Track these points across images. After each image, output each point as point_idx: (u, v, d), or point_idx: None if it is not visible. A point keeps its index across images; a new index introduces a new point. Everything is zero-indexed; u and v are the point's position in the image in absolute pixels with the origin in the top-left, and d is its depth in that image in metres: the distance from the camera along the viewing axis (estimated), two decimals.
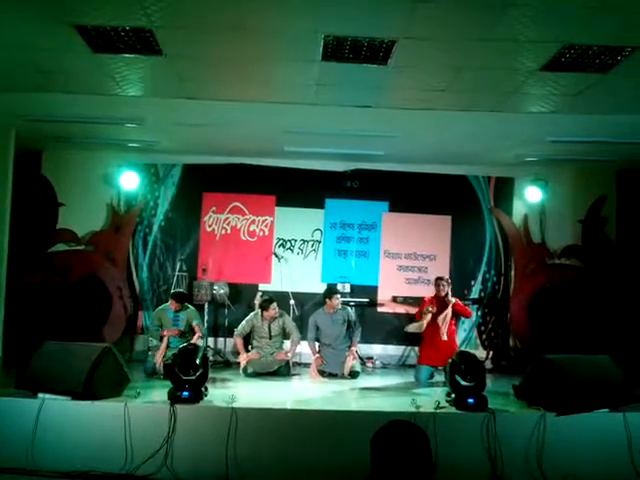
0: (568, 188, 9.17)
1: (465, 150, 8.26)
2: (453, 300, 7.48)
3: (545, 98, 6.01)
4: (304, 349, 8.04)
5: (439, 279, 7.71)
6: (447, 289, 7.56)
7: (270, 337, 7.60)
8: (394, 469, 2.14)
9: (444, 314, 7.40)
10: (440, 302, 7.53)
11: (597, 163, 8.55)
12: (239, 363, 7.59)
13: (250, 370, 7.42)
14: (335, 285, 8.64)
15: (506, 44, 4.78)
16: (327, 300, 7.61)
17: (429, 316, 7.44)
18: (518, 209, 9.26)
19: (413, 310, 8.69)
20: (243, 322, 7.69)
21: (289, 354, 7.60)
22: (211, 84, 5.97)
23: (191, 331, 7.50)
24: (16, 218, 7.99)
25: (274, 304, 7.60)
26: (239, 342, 7.57)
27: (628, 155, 8.06)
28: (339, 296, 7.73)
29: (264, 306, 7.57)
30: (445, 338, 7.36)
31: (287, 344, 7.77)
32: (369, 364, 8.57)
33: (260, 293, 8.55)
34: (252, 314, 7.76)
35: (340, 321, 7.63)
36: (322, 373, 7.49)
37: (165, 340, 7.33)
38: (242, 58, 5.23)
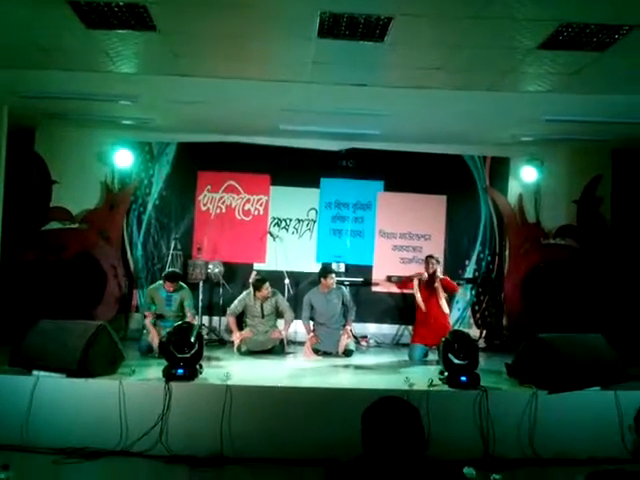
0: (563, 168, 9.17)
1: (461, 129, 8.22)
2: (441, 276, 7.62)
3: (542, 77, 5.98)
4: (299, 328, 8.06)
5: (429, 257, 7.77)
6: (436, 267, 7.64)
7: (263, 316, 7.61)
8: (385, 445, 2.15)
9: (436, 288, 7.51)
10: (429, 280, 7.58)
11: (593, 143, 8.54)
12: (233, 342, 7.61)
13: (244, 348, 7.45)
14: (330, 264, 8.63)
15: (503, 22, 4.74)
16: (322, 279, 7.62)
17: (418, 296, 7.56)
18: (513, 189, 9.26)
19: (407, 290, 8.72)
20: (235, 301, 7.70)
21: (283, 332, 7.63)
22: (205, 61, 5.92)
23: (182, 311, 7.49)
24: (9, 196, 7.93)
25: (267, 284, 7.60)
26: (232, 321, 7.59)
27: (624, 135, 8.04)
28: (334, 275, 7.73)
29: (257, 286, 7.58)
30: (446, 309, 7.51)
31: (280, 323, 7.79)
32: (363, 343, 8.61)
33: (255, 272, 8.56)
34: (244, 293, 7.76)
35: (335, 300, 7.64)
36: (317, 351, 7.52)
37: (148, 322, 7.34)
38: (237, 35, 5.17)
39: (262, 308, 7.61)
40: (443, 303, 7.53)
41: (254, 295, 7.62)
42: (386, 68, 5.99)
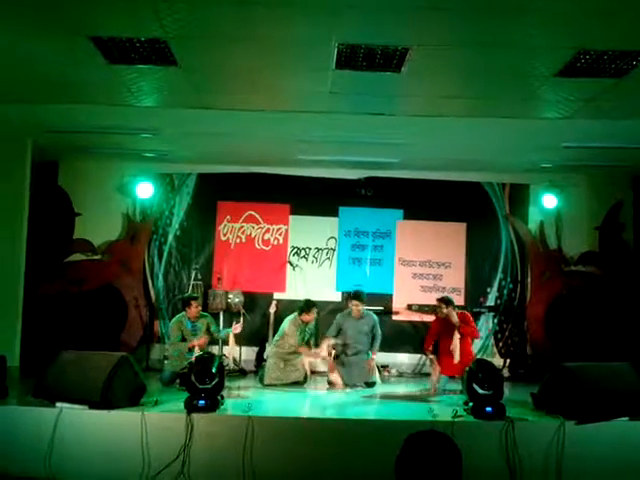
0: (584, 194, 9.11)
1: (479, 157, 8.23)
2: (457, 322, 7.20)
3: (560, 104, 5.98)
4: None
5: (438, 300, 7.52)
6: (446, 310, 7.25)
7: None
8: None
9: (452, 345, 7.18)
10: (447, 321, 7.34)
11: (612, 169, 8.49)
12: (255, 372, 7.53)
13: (266, 381, 7.35)
14: (361, 291, 8.46)
15: (520, 50, 4.76)
16: (348, 303, 7.49)
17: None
18: (534, 216, 9.21)
19: (428, 318, 8.66)
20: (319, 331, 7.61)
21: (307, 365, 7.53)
22: (225, 94, 6.01)
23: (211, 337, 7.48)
24: (33, 228, 8.06)
25: (315, 307, 7.51)
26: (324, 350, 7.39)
27: None
28: (356, 302, 7.47)
29: (305, 309, 7.42)
30: (457, 359, 7.13)
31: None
32: (385, 373, 8.51)
33: (275, 301, 8.53)
34: (290, 322, 7.52)
35: (364, 328, 7.48)
36: (345, 385, 7.34)
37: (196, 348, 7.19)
38: (255, 68, 5.26)
39: (303, 334, 7.52)
40: (456, 344, 7.16)
41: (300, 320, 7.47)
42: (403, 97, 6.03)
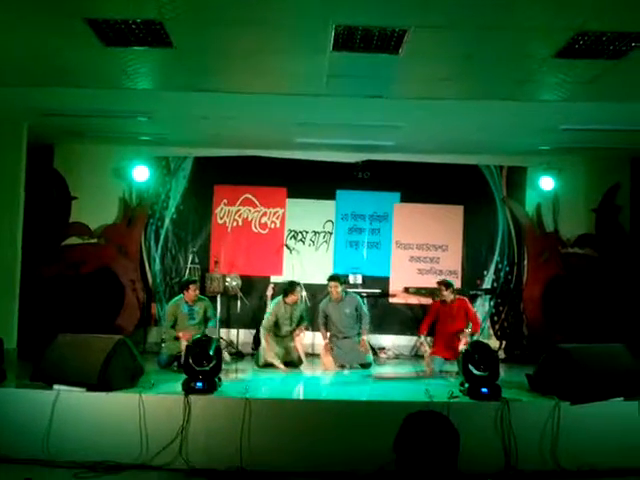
0: (581, 176, 9.10)
1: (477, 139, 8.21)
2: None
3: (558, 86, 5.95)
4: (316, 340, 8.06)
5: (438, 283, 7.66)
6: (446, 293, 7.39)
7: (291, 324, 7.53)
8: (420, 461, 2.10)
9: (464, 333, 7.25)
10: (445, 304, 7.47)
11: (610, 151, 8.48)
12: (252, 355, 7.58)
13: (262, 362, 7.39)
14: (346, 276, 8.58)
15: (518, 32, 4.72)
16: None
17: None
18: (531, 198, 9.20)
19: (425, 300, 8.72)
20: (267, 315, 7.52)
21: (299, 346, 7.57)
22: (221, 76, 5.97)
23: (205, 322, 7.50)
24: (29, 212, 8.04)
25: (299, 287, 7.58)
26: (268, 338, 7.41)
27: None
28: (335, 284, 7.55)
29: (289, 290, 7.48)
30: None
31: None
32: (382, 355, 8.57)
33: (272, 285, 8.57)
34: (273, 304, 7.62)
35: (346, 310, 7.59)
36: (342, 367, 7.45)
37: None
38: (252, 50, 5.21)
39: (292, 315, 7.56)
40: (467, 332, 7.23)
41: (284, 302, 7.55)
42: (401, 79, 5.99)
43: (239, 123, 7.64)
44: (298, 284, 7.66)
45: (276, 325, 7.54)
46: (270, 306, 7.68)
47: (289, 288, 7.52)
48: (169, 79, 6.13)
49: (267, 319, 7.50)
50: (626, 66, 5.31)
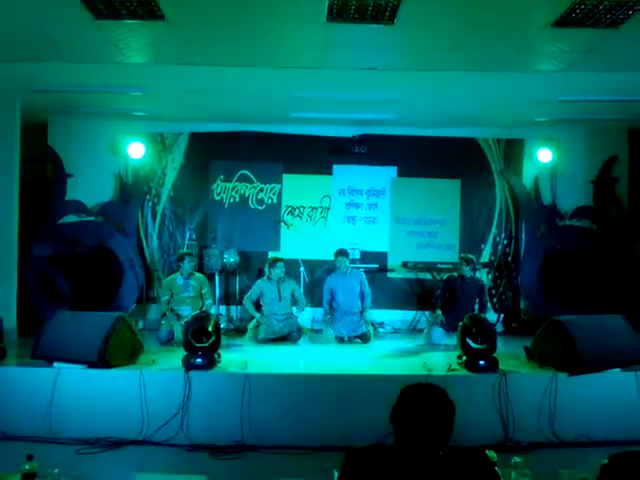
0: (579, 148, 9.03)
1: (474, 111, 8.14)
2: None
3: (556, 55, 5.89)
4: (316, 315, 8.08)
5: (460, 258, 7.69)
6: (466, 268, 7.36)
7: (280, 299, 7.57)
8: (416, 432, 2.14)
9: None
10: (458, 279, 7.46)
11: (609, 122, 8.42)
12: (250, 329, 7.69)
13: (262, 336, 7.44)
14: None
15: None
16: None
17: None
18: (528, 171, 9.14)
19: (423, 275, 8.74)
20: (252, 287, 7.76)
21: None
22: (215, 49, 5.89)
23: (201, 298, 7.53)
24: (25, 190, 7.98)
25: (281, 262, 7.64)
26: (249, 305, 7.66)
27: None
28: (280, 264, 7.65)
29: (272, 264, 7.62)
30: None
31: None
32: (380, 329, 8.60)
33: (270, 260, 8.57)
34: (259, 280, 7.79)
35: (352, 283, 7.64)
36: (341, 339, 7.51)
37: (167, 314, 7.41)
38: (246, 21, 5.14)
39: (279, 290, 7.60)
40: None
41: (267, 278, 7.63)
42: (397, 50, 5.91)
43: (234, 97, 7.56)
44: (281, 259, 7.72)
45: (266, 302, 7.59)
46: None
47: (271, 263, 7.63)
48: (162, 52, 6.06)
49: (250, 291, 7.71)
50: (624, 35, 5.26)
